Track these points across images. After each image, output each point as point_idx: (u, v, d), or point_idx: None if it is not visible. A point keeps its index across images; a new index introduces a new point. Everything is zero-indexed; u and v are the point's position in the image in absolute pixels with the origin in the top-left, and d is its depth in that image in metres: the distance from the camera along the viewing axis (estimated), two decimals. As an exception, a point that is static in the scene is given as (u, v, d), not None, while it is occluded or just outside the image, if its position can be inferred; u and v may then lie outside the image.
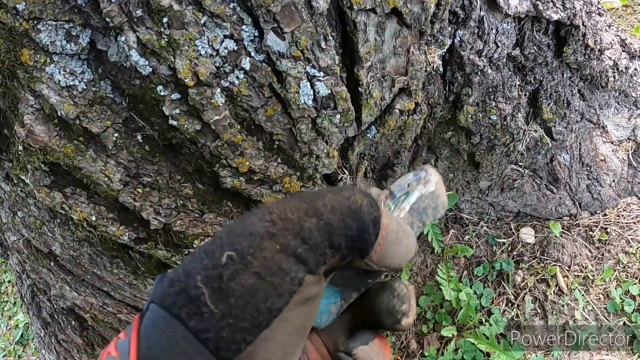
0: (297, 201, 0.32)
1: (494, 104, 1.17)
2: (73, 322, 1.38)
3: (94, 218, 1.07)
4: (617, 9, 2.00)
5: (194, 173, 1.06)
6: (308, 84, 0.93)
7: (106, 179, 0.99)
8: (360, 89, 0.99)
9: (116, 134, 0.96)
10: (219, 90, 0.92)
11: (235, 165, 1.01)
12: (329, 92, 0.95)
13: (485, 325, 1.32)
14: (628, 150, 1.48)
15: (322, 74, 0.92)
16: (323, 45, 0.91)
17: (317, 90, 0.94)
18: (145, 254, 1.17)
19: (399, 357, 1.33)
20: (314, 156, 1.04)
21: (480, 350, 1.29)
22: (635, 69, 1.50)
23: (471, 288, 1.34)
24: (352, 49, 0.96)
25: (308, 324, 0.33)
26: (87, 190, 1.06)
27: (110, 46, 0.88)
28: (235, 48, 0.88)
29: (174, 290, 0.30)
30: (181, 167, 1.06)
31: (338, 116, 1.00)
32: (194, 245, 1.10)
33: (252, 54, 0.89)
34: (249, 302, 0.29)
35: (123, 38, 0.84)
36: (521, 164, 1.33)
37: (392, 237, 0.34)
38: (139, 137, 1.01)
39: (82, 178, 1.03)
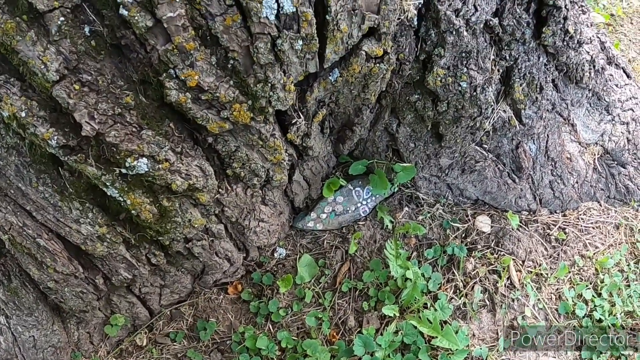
0: None
1: (465, 70, 1.13)
2: (-11, 249, 1.26)
3: (23, 114, 0.97)
4: (599, 25, 2.02)
5: (138, 83, 0.98)
6: (273, -5, 0.87)
7: (42, 67, 0.91)
8: (328, 16, 0.94)
9: (62, 19, 0.88)
10: (176, -16, 0.85)
11: (183, 77, 0.94)
12: (294, 10, 0.89)
13: (430, 310, 1.24)
14: (595, 155, 1.45)
15: (288, -13, 0.87)
16: (293, -47, 0.86)
17: (281, 5, 0.88)
18: (75, 171, 1.08)
19: (334, 333, 1.24)
20: (269, 85, 0.98)
21: (422, 335, 1.21)
22: (611, 75, 1.49)
23: (419, 270, 1.26)
24: (325, -30, 0.91)
25: None
26: (22, 82, 0.98)
27: None
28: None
29: None
30: (126, 74, 0.98)
31: (300, 42, 0.94)
32: (127, 165, 1.01)
33: (216, -53, 0.83)
34: None
35: None
36: (485, 146, 1.28)
37: None
38: (87, 30, 0.93)
39: (18, 65, 0.94)
